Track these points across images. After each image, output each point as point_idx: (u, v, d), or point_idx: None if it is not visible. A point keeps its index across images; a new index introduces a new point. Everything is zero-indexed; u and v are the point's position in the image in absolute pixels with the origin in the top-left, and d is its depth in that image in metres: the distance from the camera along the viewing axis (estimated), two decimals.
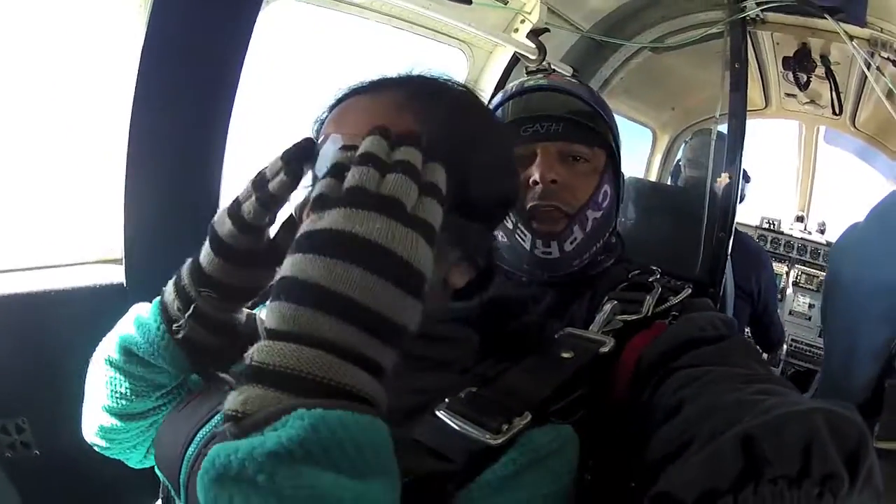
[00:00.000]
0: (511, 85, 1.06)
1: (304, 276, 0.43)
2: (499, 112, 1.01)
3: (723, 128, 1.70)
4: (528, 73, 1.06)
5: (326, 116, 0.66)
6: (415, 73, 0.67)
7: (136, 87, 1.05)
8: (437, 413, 0.52)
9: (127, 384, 0.68)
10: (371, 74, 0.66)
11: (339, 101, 0.66)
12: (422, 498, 0.44)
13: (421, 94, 0.63)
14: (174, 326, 0.66)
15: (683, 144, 2.49)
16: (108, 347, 0.69)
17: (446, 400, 0.54)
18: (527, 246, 0.94)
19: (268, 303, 0.45)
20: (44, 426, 1.05)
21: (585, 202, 0.94)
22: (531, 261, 0.95)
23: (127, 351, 0.67)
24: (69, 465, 0.99)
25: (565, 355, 0.65)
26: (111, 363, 0.68)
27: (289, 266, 0.44)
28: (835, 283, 1.24)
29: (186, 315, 0.66)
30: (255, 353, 0.42)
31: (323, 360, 0.40)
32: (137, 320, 0.68)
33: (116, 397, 0.68)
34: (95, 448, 0.75)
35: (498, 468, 0.48)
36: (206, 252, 0.65)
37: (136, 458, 0.76)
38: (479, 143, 0.64)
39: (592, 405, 0.67)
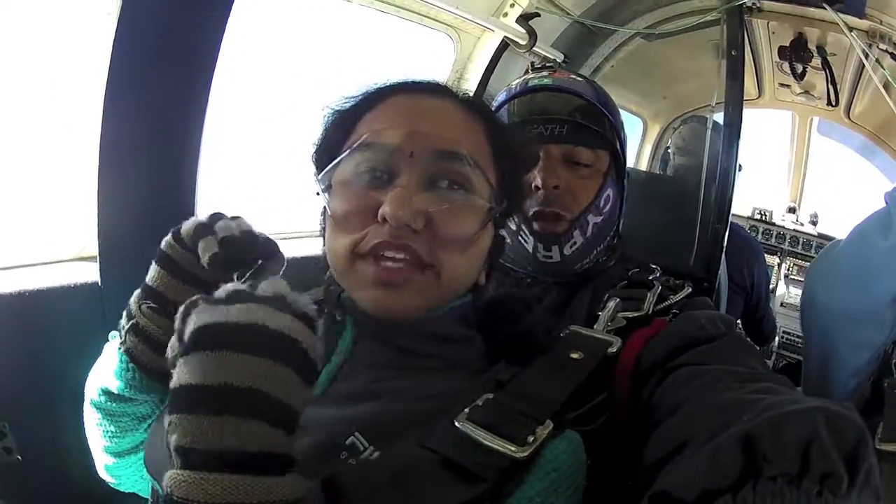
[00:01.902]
0: (515, 83, 1.04)
1: None
2: (503, 110, 1.01)
3: (718, 117, 1.67)
4: (534, 69, 1.05)
5: (357, 107, 0.68)
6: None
7: (107, 80, 1.02)
8: (458, 424, 0.53)
9: (113, 423, 0.70)
10: (397, 73, 0.69)
11: (382, 95, 0.68)
12: None
13: (482, 111, 0.70)
14: (119, 344, 0.67)
15: (672, 132, 2.46)
16: (91, 389, 0.70)
17: (465, 410, 0.54)
18: (529, 249, 0.96)
19: None
20: (26, 430, 1.02)
21: (586, 207, 0.95)
22: (534, 264, 0.97)
23: (105, 391, 0.68)
24: (53, 471, 0.99)
25: (574, 356, 0.66)
26: (95, 405, 0.70)
27: None
28: (809, 304, 1.25)
29: (124, 330, 0.66)
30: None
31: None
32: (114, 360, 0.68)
33: (108, 437, 0.70)
34: (110, 484, 0.77)
35: (528, 489, 0.49)
36: (151, 267, 0.68)
37: (148, 489, 0.74)
38: (518, 156, 0.72)
39: (614, 408, 0.70)
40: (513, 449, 0.50)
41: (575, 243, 0.95)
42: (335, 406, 0.60)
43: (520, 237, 0.95)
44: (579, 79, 1.03)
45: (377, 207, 0.60)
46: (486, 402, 0.56)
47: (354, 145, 0.63)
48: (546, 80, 1.01)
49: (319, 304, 0.77)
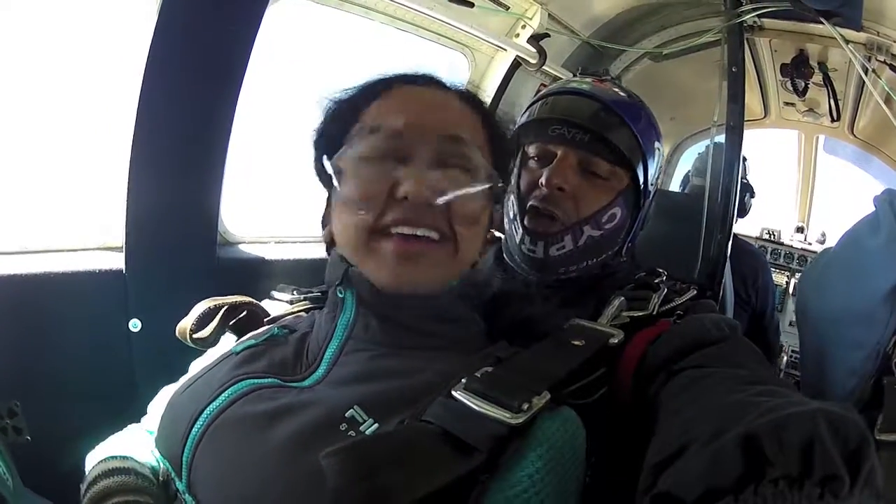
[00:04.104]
0: (559, 83, 1.06)
1: None
2: (537, 104, 1.01)
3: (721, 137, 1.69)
4: (581, 73, 1.03)
5: (360, 97, 0.71)
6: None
7: (142, 80, 1.08)
8: (455, 393, 0.54)
9: None
10: (403, 67, 0.73)
11: (385, 85, 0.71)
12: (456, 497, 0.48)
13: (475, 102, 0.74)
14: None
15: (696, 156, 2.48)
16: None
17: (463, 381, 0.56)
18: (517, 239, 0.95)
19: None
20: (37, 410, 1.02)
21: (586, 217, 0.93)
22: (519, 255, 0.96)
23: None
24: (62, 453, 0.95)
25: (576, 342, 0.68)
26: None
27: None
28: (803, 308, 1.25)
29: None
30: None
31: None
32: None
33: None
34: None
35: (527, 466, 0.51)
36: None
37: None
38: (507, 141, 0.77)
39: (613, 383, 0.71)
40: (507, 416, 0.51)
41: (563, 247, 0.92)
42: (336, 388, 0.62)
43: (513, 226, 0.95)
44: (622, 94, 1.00)
45: (392, 187, 0.64)
46: (485, 374, 0.57)
47: (367, 130, 0.67)
48: (584, 86, 0.99)
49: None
